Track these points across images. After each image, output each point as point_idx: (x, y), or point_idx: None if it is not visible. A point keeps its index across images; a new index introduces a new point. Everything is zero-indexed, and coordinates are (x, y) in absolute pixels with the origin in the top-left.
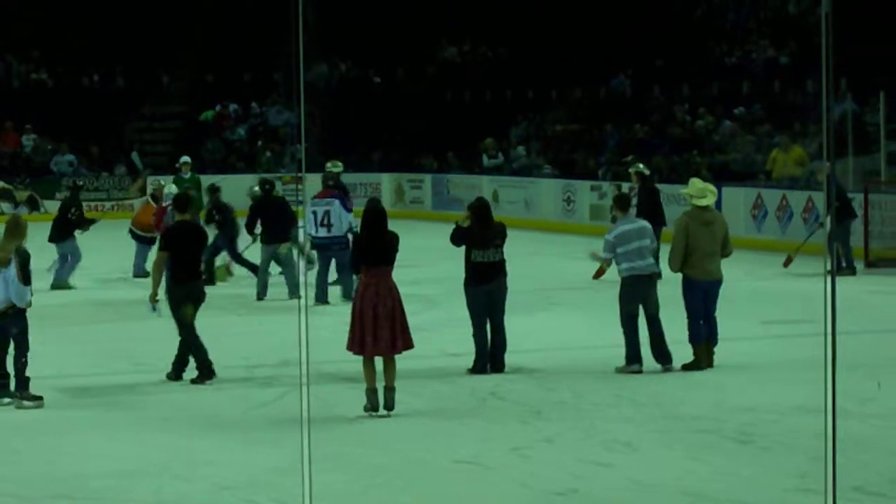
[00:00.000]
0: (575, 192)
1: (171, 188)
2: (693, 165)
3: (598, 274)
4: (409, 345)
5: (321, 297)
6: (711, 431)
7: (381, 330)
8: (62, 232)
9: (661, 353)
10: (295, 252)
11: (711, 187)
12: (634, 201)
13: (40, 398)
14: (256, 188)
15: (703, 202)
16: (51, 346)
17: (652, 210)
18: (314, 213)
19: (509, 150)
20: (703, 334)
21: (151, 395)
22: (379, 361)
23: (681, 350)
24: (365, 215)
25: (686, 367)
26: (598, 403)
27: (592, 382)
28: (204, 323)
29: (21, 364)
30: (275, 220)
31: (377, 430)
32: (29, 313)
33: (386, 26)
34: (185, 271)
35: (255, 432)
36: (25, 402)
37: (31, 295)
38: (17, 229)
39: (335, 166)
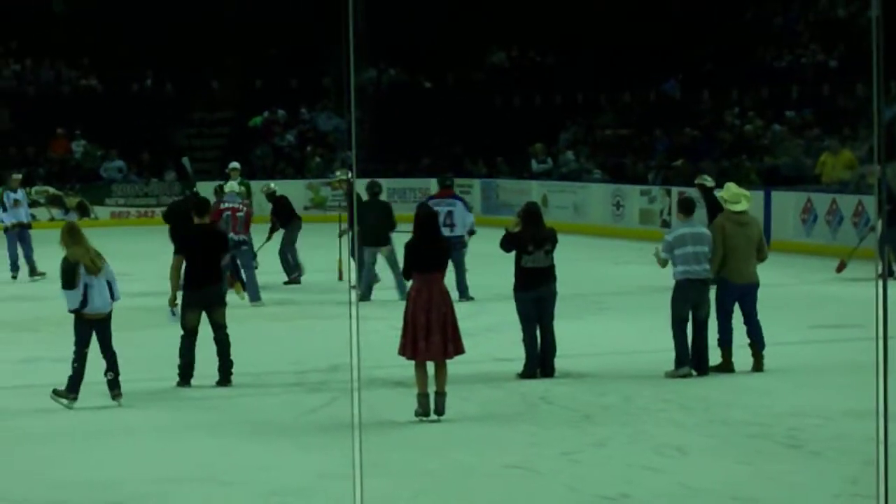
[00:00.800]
0: (624, 196)
1: (232, 186)
2: (742, 170)
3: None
4: (460, 350)
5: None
6: (761, 436)
7: (433, 335)
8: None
9: (701, 360)
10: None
11: (746, 192)
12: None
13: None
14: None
15: (738, 207)
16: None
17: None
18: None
19: (558, 155)
20: (731, 338)
21: (199, 400)
22: (430, 366)
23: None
24: (416, 221)
25: (715, 370)
26: (648, 408)
27: (642, 387)
28: (253, 328)
29: (115, 367)
30: (377, 222)
31: (427, 435)
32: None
33: (434, 31)
34: (199, 276)
35: (305, 437)
36: (119, 400)
37: None
38: (79, 234)
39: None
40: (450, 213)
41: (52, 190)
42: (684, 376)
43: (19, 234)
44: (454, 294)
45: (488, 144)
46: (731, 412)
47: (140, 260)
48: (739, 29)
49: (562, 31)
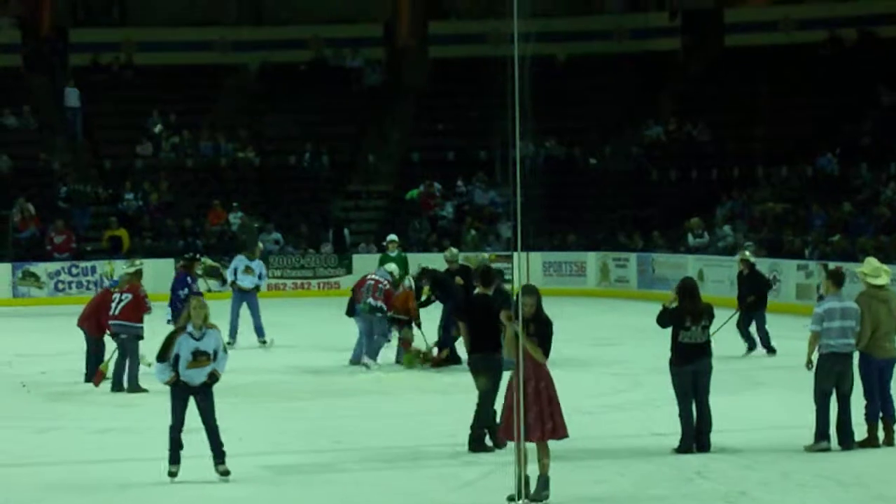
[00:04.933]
0: (781, 271)
1: (390, 267)
2: None
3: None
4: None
5: None
6: None
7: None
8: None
9: (846, 435)
10: None
11: (886, 267)
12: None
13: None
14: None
15: (879, 281)
16: (263, 422)
17: (758, 296)
18: None
19: (715, 229)
20: (879, 413)
21: (356, 472)
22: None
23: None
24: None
25: (861, 444)
26: (804, 484)
27: (798, 462)
28: (409, 400)
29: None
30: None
31: None
32: (247, 389)
33: (591, 105)
34: (478, 342)
35: None
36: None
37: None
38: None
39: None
40: None
41: (209, 262)
42: (823, 450)
43: (248, 301)
44: None
45: (644, 218)
46: (888, 488)
47: (296, 330)
48: None
49: (717, 106)
